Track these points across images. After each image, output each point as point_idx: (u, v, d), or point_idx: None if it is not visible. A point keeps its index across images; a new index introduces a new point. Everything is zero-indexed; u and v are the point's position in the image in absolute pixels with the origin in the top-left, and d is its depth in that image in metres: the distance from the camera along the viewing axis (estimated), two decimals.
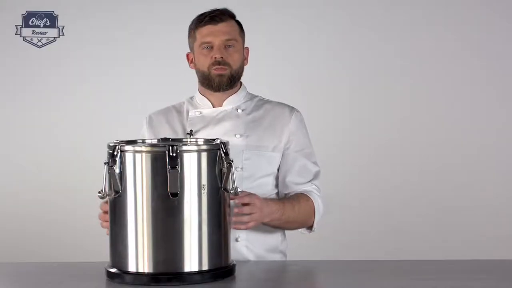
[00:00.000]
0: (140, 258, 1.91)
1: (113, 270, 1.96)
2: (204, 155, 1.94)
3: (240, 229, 2.20)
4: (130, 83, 4.24)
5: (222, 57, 2.36)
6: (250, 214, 2.17)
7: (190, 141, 2.18)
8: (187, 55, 2.48)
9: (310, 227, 2.41)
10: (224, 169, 1.95)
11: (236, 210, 2.14)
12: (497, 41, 4.24)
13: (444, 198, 4.22)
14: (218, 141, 2.02)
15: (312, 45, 4.24)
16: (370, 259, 2.34)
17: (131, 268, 1.93)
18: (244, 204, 2.16)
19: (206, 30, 2.37)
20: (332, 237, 4.07)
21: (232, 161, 1.96)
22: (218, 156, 1.96)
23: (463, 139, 4.23)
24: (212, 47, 2.37)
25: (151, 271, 1.91)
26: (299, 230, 2.44)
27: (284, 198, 2.38)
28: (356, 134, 4.24)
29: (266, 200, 2.26)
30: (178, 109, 2.49)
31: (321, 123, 3.96)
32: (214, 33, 2.37)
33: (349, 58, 4.25)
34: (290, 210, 2.30)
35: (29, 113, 4.28)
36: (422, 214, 4.20)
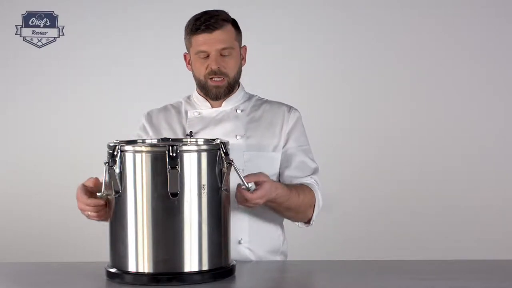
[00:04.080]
0: (140, 258, 1.91)
1: (113, 270, 1.96)
2: (204, 155, 1.93)
3: (242, 204, 2.14)
4: (130, 83, 4.24)
5: (218, 67, 2.34)
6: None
7: (190, 141, 2.18)
8: (185, 56, 2.47)
9: (308, 221, 2.38)
10: (224, 169, 1.95)
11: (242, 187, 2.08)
12: (497, 42, 4.24)
13: (444, 198, 4.22)
14: (218, 141, 2.02)
15: (311, 45, 4.24)
16: (370, 259, 2.34)
17: (131, 268, 1.93)
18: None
19: (201, 38, 2.34)
20: (332, 237, 4.08)
21: (233, 161, 1.96)
22: (218, 156, 1.96)
23: (463, 139, 4.23)
24: (208, 56, 2.34)
25: (151, 271, 1.91)
26: (297, 224, 2.41)
27: (289, 184, 2.32)
28: (356, 134, 4.24)
29: (275, 183, 2.19)
30: (177, 109, 2.48)
31: (321, 123, 3.97)
32: (209, 42, 2.33)
33: (349, 58, 4.26)
34: (295, 197, 2.26)
35: (29, 113, 4.28)
36: (422, 214, 4.21)
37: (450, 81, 4.25)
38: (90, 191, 2.04)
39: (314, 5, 4.26)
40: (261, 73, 3.89)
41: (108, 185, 1.96)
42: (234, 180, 2.03)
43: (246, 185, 2.02)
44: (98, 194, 1.97)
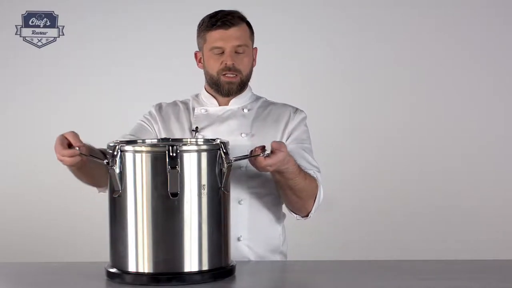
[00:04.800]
0: (140, 258, 1.91)
1: (113, 270, 1.96)
2: (204, 155, 1.93)
3: (252, 164, 2.12)
4: (130, 83, 4.24)
5: (233, 64, 2.36)
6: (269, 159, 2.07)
7: (190, 141, 2.18)
8: (195, 54, 2.47)
9: (306, 214, 2.35)
10: (224, 169, 1.95)
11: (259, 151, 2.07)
12: (497, 42, 4.24)
13: (444, 198, 4.22)
14: (218, 141, 2.02)
15: (311, 45, 4.24)
16: (370, 259, 2.34)
17: (131, 268, 1.93)
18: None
19: (217, 34, 2.36)
20: (332, 237, 4.08)
21: (232, 161, 1.96)
22: (218, 156, 1.96)
23: (463, 139, 4.23)
24: (222, 52, 2.36)
25: (151, 271, 1.91)
26: (295, 216, 2.38)
27: (300, 167, 2.27)
28: (356, 134, 4.24)
29: (289, 157, 2.15)
30: (185, 105, 2.49)
31: (321, 123, 3.95)
32: (225, 38, 2.35)
33: (349, 58, 4.26)
34: (302, 179, 2.24)
35: (29, 113, 4.28)
36: (422, 214, 4.21)
37: (450, 81, 4.25)
38: (67, 142, 2.04)
39: (314, 5, 4.26)
40: (261, 73, 3.86)
41: (109, 185, 1.96)
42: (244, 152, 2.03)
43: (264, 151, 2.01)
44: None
